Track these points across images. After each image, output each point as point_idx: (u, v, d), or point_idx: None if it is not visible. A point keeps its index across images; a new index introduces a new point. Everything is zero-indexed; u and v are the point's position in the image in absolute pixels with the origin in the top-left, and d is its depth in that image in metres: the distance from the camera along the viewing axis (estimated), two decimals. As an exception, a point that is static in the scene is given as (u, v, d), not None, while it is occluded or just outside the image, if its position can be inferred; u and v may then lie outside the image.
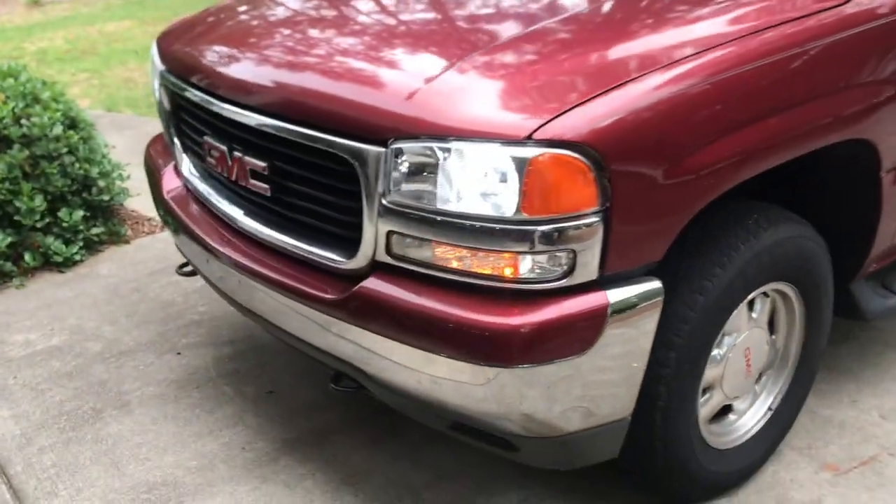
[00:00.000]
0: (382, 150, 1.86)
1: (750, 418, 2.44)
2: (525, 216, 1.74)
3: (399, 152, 1.84)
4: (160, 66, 2.72)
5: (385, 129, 1.86)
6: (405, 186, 1.85)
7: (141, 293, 3.69)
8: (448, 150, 1.78)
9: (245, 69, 2.27)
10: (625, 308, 1.85)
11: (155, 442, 2.68)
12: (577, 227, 1.76)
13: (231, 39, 2.47)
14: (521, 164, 1.72)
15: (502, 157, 1.73)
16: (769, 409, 2.46)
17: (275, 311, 2.24)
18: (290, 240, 2.18)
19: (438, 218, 1.82)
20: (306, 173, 2.08)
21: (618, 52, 1.93)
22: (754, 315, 2.30)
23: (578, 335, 1.82)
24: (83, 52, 8.84)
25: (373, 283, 1.96)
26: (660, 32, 2.00)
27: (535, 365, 1.81)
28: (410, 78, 1.95)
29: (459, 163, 1.78)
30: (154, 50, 2.83)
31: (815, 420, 2.70)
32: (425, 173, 1.83)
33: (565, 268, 1.79)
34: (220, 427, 2.76)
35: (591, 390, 1.90)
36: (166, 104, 2.70)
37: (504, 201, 1.75)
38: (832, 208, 2.40)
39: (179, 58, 2.57)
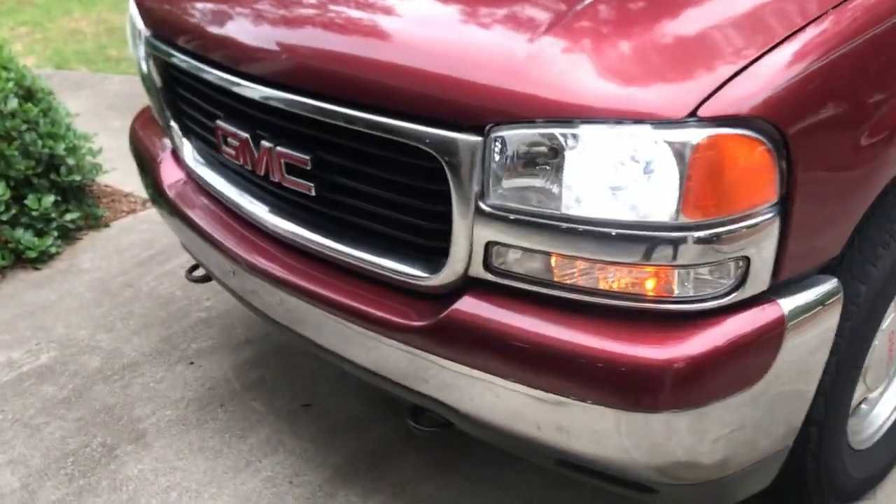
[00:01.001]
0: (478, 139, 1.42)
1: (884, 408, 2.10)
2: (688, 220, 1.32)
3: (503, 141, 1.40)
4: (144, 30, 2.20)
5: (483, 111, 1.41)
6: (512, 184, 1.42)
7: (133, 288, 3.22)
8: (576, 137, 1.34)
9: (277, 34, 1.76)
10: (801, 320, 1.46)
11: (185, 483, 2.26)
12: (753, 227, 1.35)
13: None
14: (684, 152, 1.29)
15: (656, 144, 1.30)
16: (906, 393, 2.12)
17: (332, 337, 1.81)
18: (345, 248, 1.74)
19: (562, 225, 1.40)
20: (369, 169, 1.63)
21: None
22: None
23: (750, 363, 1.43)
24: (19, 3, 8.05)
25: (469, 305, 1.54)
26: None
27: (693, 408, 1.42)
28: (511, 41, 1.49)
29: (593, 152, 1.34)
30: (133, 7, 2.31)
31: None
32: (541, 167, 1.39)
33: (735, 280, 1.39)
34: (258, 456, 2.35)
35: (757, 425, 1.52)
36: (157, 79, 2.20)
37: (659, 201, 1.33)
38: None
39: (174, 18, 2.06)
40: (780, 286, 1.45)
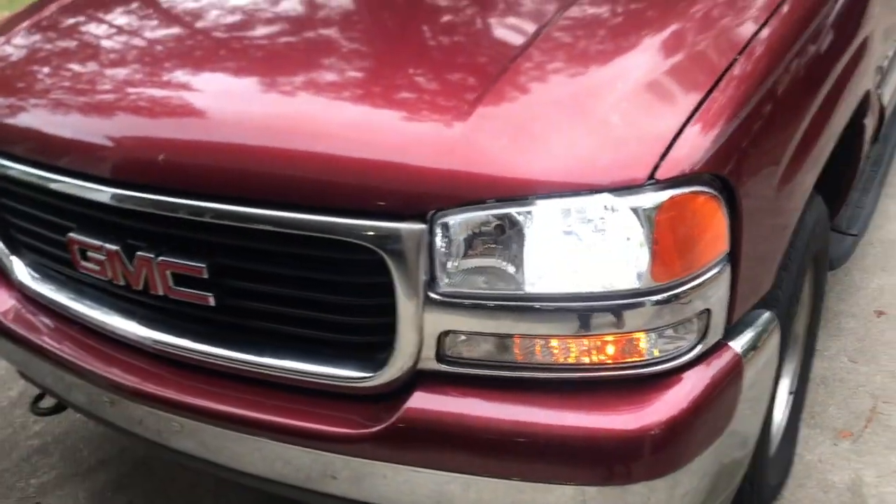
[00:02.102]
0: (422, 226, 1.31)
1: (778, 413, 2.20)
2: (656, 283, 1.29)
3: (449, 226, 1.30)
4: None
5: (423, 196, 1.30)
6: (465, 269, 1.32)
7: (-60, 425, 2.74)
8: (531, 214, 1.27)
9: (151, 128, 1.52)
10: (751, 357, 1.48)
11: None
12: (711, 279, 1.34)
13: (103, 83, 1.68)
14: (648, 216, 1.26)
15: (618, 211, 1.26)
16: (790, 392, 2.24)
17: (257, 460, 1.60)
18: (261, 358, 1.55)
19: (525, 304, 1.32)
20: (284, 270, 1.46)
21: (691, 38, 1.50)
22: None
23: (719, 411, 1.43)
24: None
25: (423, 401, 1.42)
26: (713, 20, 1.59)
27: (675, 471, 1.39)
28: (445, 113, 1.38)
29: (553, 228, 1.28)
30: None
31: (800, 383, 2.55)
32: (496, 248, 1.31)
33: (698, 335, 1.38)
34: None
35: (725, 467, 1.53)
36: (-30, 188, 1.87)
37: (625, 269, 1.28)
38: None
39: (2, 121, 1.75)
40: (728, 330, 1.46)
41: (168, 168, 1.48)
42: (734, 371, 1.43)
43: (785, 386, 2.22)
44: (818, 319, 2.30)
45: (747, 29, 1.54)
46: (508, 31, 1.63)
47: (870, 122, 2.23)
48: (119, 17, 1.94)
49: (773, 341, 1.56)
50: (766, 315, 1.55)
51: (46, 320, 1.88)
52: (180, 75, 1.62)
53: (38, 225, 1.78)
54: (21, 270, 1.90)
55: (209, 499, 2.34)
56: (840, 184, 2.26)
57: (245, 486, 2.28)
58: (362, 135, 1.38)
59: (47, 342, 1.82)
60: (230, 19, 1.83)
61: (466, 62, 1.51)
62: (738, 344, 1.46)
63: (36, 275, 1.89)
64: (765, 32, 1.54)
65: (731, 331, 1.46)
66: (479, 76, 1.42)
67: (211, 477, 2.37)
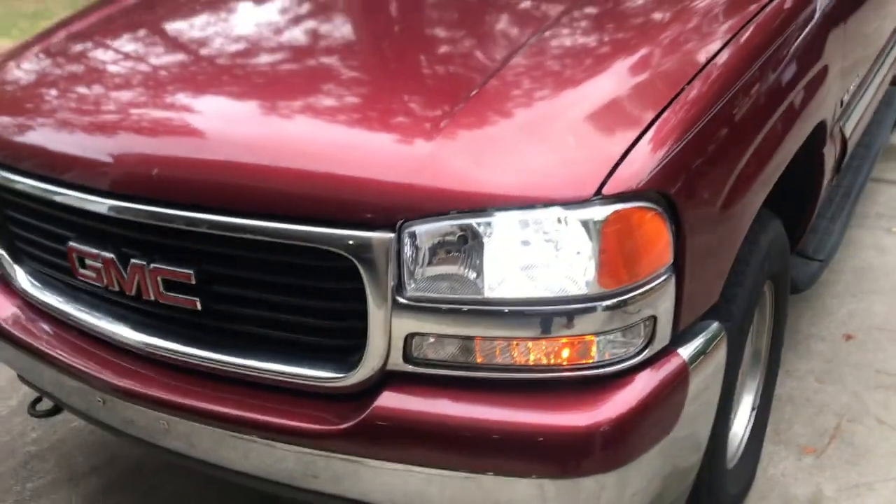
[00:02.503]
0: (391, 235, 1.43)
1: (739, 426, 2.31)
2: (603, 290, 1.41)
3: (416, 235, 1.42)
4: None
5: (393, 208, 1.43)
6: (429, 275, 1.44)
7: (-63, 433, 2.84)
8: (492, 224, 1.39)
9: (145, 145, 1.65)
10: (698, 364, 1.59)
11: None
12: (656, 288, 1.46)
13: (103, 104, 1.82)
14: (595, 228, 1.38)
15: (568, 224, 1.38)
16: (752, 408, 2.34)
17: (237, 455, 1.71)
18: (242, 360, 1.66)
19: (484, 308, 1.44)
20: (265, 276, 1.58)
21: (644, 66, 1.63)
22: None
23: (665, 412, 1.54)
24: None
25: (390, 400, 1.53)
26: (668, 41, 1.73)
27: (620, 467, 1.50)
28: (412, 133, 1.51)
29: (509, 237, 1.40)
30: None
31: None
32: (458, 255, 1.43)
33: (645, 339, 1.49)
34: None
35: (675, 466, 1.64)
36: (-23, 201, 1.99)
37: (574, 276, 1.40)
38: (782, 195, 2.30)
39: (6, 138, 1.88)
40: (676, 338, 1.57)
41: (160, 181, 1.60)
42: (681, 376, 1.54)
43: (748, 402, 2.32)
44: (781, 339, 2.40)
45: (700, 57, 1.67)
46: (475, 60, 1.76)
47: (829, 153, 2.35)
48: (116, 46, 2.09)
49: (721, 351, 1.67)
50: (715, 325, 1.66)
51: (45, 325, 1.99)
52: (172, 98, 1.75)
53: (41, 235, 1.90)
54: (23, 278, 2.02)
55: (194, 500, 2.43)
56: (802, 210, 2.38)
57: (230, 491, 2.38)
58: (337, 153, 1.51)
59: (45, 346, 1.93)
60: (217, 49, 1.98)
61: (436, 88, 1.65)
62: (686, 351, 1.57)
63: (36, 282, 2.01)
64: (717, 61, 1.67)
65: (680, 338, 1.57)
66: (446, 101, 1.55)
67: (198, 480, 2.48)
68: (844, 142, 2.55)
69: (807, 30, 2.04)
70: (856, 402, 2.66)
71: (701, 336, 1.62)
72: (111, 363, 1.83)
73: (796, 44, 2.00)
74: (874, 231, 3.64)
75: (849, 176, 3.20)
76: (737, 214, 1.64)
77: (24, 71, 2.08)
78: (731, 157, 1.63)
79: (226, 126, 1.65)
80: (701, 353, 1.60)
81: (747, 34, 1.80)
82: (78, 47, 2.15)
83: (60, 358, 1.89)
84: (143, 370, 1.78)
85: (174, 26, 2.15)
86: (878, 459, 2.42)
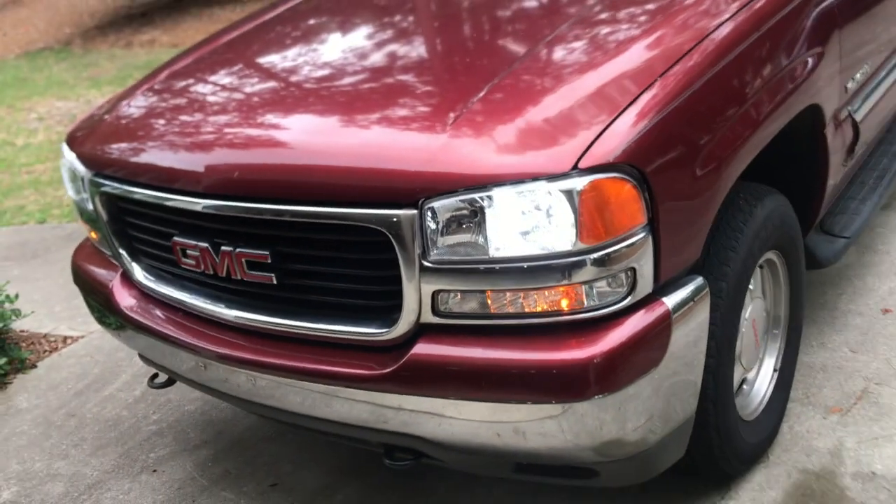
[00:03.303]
0: (414, 211, 1.80)
1: (761, 385, 2.55)
2: (585, 245, 1.74)
3: (435, 210, 1.79)
4: (86, 172, 2.48)
5: (415, 190, 1.80)
6: (448, 242, 1.80)
7: (77, 417, 3.37)
8: (491, 198, 1.75)
9: (228, 156, 2.11)
10: (682, 312, 1.89)
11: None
12: (633, 245, 1.78)
13: (195, 126, 2.30)
14: (574, 196, 1.71)
15: (552, 193, 1.72)
16: (774, 370, 2.58)
17: (307, 402, 2.10)
18: (309, 324, 2.06)
19: (493, 266, 1.79)
20: (322, 252, 1.98)
21: (619, 65, 1.97)
22: (751, 287, 2.40)
23: (650, 350, 1.84)
24: None
25: (426, 348, 1.89)
26: (646, 38, 2.06)
27: (613, 392, 1.81)
28: (427, 131, 1.90)
29: (507, 207, 1.75)
30: (70, 155, 2.59)
31: (800, 371, 2.86)
32: (468, 225, 1.79)
33: (627, 287, 1.81)
34: (241, 537, 2.56)
35: (667, 398, 1.93)
36: (103, 213, 2.47)
37: (561, 236, 1.74)
38: (791, 173, 2.55)
39: (121, 158, 2.37)
40: (661, 288, 1.88)
41: (241, 182, 2.03)
42: (664, 320, 1.85)
43: (769, 363, 2.57)
44: (801, 306, 2.63)
45: (675, 46, 1.99)
46: (477, 71, 2.14)
47: (835, 136, 2.59)
48: (204, 81, 2.57)
49: (705, 302, 1.96)
50: (699, 280, 1.95)
51: (158, 311, 2.45)
52: (246, 118, 2.20)
53: (153, 234, 2.36)
54: (139, 273, 2.48)
55: (287, 465, 2.84)
56: (814, 188, 2.62)
57: (318, 455, 2.78)
58: (372, 150, 1.91)
59: (160, 326, 2.39)
60: (274, 78, 2.42)
61: (444, 95, 2.03)
62: (670, 300, 1.88)
63: (150, 276, 2.47)
64: (692, 50, 1.98)
65: (665, 289, 1.88)
66: (454, 105, 1.93)
67: (290, 448, 2.89)
68: (856, 126, 2.76)
69: (792, 21, 2.31)
70: (886, 367, 2.85)
71: (685, 288, 1.91)
72: (209, 336, 2.26)
73: (778, 34, 2.27)
74: (923, 214, 3.77)
75: (884, 160, 3.37)
76: (709, 185, 1.93)
77: (134, 106, 2.58)
78: (701, 135, 1.92)
79: (288, 137, 2.08)
80: (685, 303, 1.90)
81: (726, 27, 2.10)
82: (176, 83, 2.63)
83: (171, 334, 2.34)
84: (234, 339, 2.21)
85: (244, 66, 2.61)
86: (900, 416, 2.61)
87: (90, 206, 2.52)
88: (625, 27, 2.15)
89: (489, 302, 1.83)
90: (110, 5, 14.53)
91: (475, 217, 1.77)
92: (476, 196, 1.76)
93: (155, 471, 2.95)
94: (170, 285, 2.41)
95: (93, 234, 2.68)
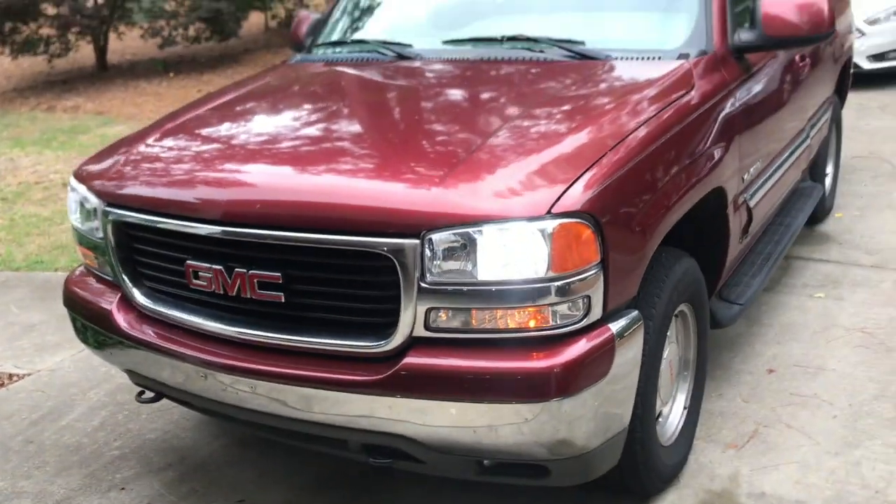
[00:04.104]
0: (417, 241, 2.22)
1: (674, 418, 3.03)
2: (553, 274, 2.19)
3: (434, 241, 2.21)
4: (99, 203, 2.79)
5: (419, 224, 2.22)
6: (443, 268, 2.22)
7: (36, 444, 3.52)
8: (481, 233, 2.19)
9: (251, 191, 2.48)
10: (623, 337, 2.35)
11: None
12: (589, 277, 2.24)
13: (214, 164, 2.67)
14: (547, 234, 2.17)
15: (531, 231, 2.17)
16: (684, 407, 3.07)
17: (302, 407, 2.42)
18: (310, 338, 2.41)
19: (478, 289, 2.21)
20: (331, 275, 2.35)
21: (578, 140, 2.48)
22: (669, 333, 2.90)
23: (599, 364, 2.29)
24: None
25: (418, 358, 2.28)
26: (601, 121, 2.58)
27: (568, 396, 2.23)
28: (429, 179, 2.33)
29: (494, 241, 2.19)
30: (81, 188, 2.89)
31: (702, 416, 3.34)
32: (460, 254, 2.21)
33: (583, 312, 2.26)
34: (214, 543, 2.80)
35: (608, 407, 2.36)
36: (112, 239, 2.77)
37: (535, 266, 2.18)
38: (701, 245, 3.10)
39: (139, 192, 2.70)
40: (608, 316, 2.33)
41: (261, 212, 2.40)
42: (609, 341, 2.30)
43: (681, 400, 3.05)
44: (705, 353, 3.14)
45: (621, 131, 2.52)
46: (467, 137, 2.63)
47: (734, 217, 3.16)
48: (214, 131, 2.96)
49: (640, 331, 2.43)
50: (636, 313, 2.43)
51: (156, 329, 2.74)
52: (261, 158, 2.61)
53: (162, 259, 2.67)
54: (139, 296, 2.78)
55: (252, 484, 3.11)
56: (716, 257, 3.18)
57: (282, 479, 3.06)
58: (385, 193, 2.34)
59: (158, 342, 2.68)
60: (289, 128, 2.86)
61: (443, 153, 2.50)
62: (614, 326, 2.34)
63: (147, 299, 2.76)
64: (633, 135, 2.51)
65: (610, 317, 2.34)
66: (449, 161, 2.39)
67: (252, 471, 3.15)
68: (749, 211, 3.36)
69: (706, 123, 2.90)
70: (772, 414, 3.38)
71: (625, 318, 2.38)
72: (208, 349, 2.57)
73: (696, 131, 2.85)
74: (800, 297, 4.42)
75: (769, 246, 4.01)
76: (643, 237, 2.43)
77: (150, 147, 2.93)
78: (638, 199, 2.43)
79: (314, 177, 2.50)
80: (625, 329, 2.36)
81: (658, 119, 2.65)
82: (188, 129, 3.03)
83: (170, 348, 2.63)
84: (233, 351, 2.53)
85: (261, 115, 3.04)
86: (783, 451, 3.12)
87: (99, 234, 2.82)
88: (580, 114, 2.68)
89: (472, 319, 2.24)
90: (27, 70, 14.56)
91: (466, 248, 2.20)
92: (469, 231, 2.19)
93: (123, 489, 3.15)
94: (169, 306, 2.71)
95: (89, 261, 2.96)
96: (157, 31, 13.01)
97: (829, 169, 5.48)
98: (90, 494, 3.12)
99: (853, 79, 5.96)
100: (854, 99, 7.77)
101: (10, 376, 4.20)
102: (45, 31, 12.97)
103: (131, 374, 2.91)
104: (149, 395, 2.92)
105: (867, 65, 8.98)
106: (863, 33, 8.76)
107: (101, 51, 13.41)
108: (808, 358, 3.80)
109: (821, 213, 5.27)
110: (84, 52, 13.85)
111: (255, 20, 16.73)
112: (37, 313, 4.88)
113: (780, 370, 3.71)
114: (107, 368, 4.08)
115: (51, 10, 12.33)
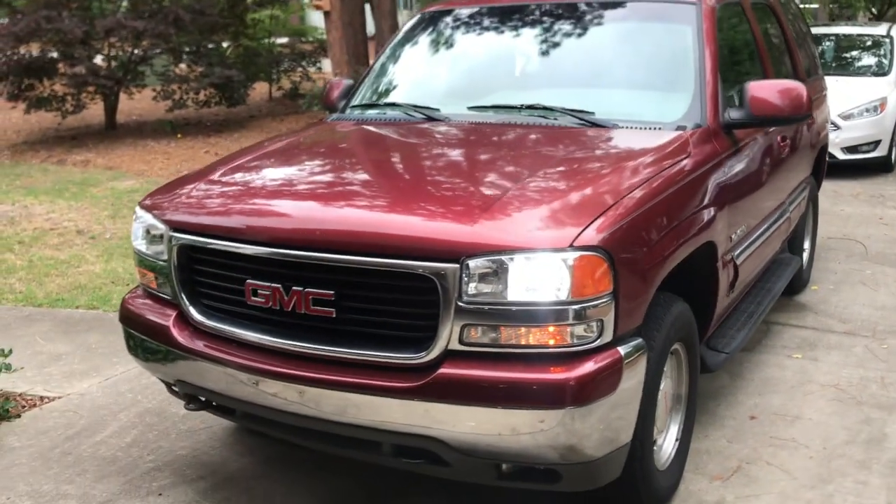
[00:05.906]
0: (457, 265, 2.59)
1: (667, 446, 3.36)
2: (573, 299, 2.56)
3: (471, 266, 2.58)
4: (165, 229, 3.15)
5: (459, 252, 2.60)
6: (478, 289, 2.59)
7: (74, 455, 3.78)
8: (513, 260, 2.57)
9: (306, 217, 2.88)
10: (629, 360, 2.71)
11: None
12: (602, 304, 2.61)
13: (270, 194, 3.10)
14: (569, 264, 2.56)
15: (555, 261, 2.56)
16: (676, 439, 3.40)
17: (344, 410, 2.75)
18: (355, 349, 2.76)
19: (508, 308, 2.58)
20: (379, 294, 2.71)
21: (599, 187, 2.90)
22: (665, 369, 3.26)
23: (609, 381, 2.64)
24: None
25: (452, 368, 2.62)
26: (613, 175, 3.00)
27: (581, 405, 2.58)
28: (469, 214, 2.72)
29: (524, 267, 2.57)
30: (147, 216, 3.26)
31: (691, 453, 3.67)
32: (493, 278, 2.58)
33: (596, 334, 2.63)
34: (249, 540, 3.07)
35: (614, 422, 2.71)
36: (174, 262, 3.12)
37: (559, 290, 2.56)
38: (694, 294, 3.48)
39: (203, 219, 3.08)
40: (617, 340, 2.70)
41: (320, 238, 2.78)
42: (618, 362, 2.66)
43: (674, 431, 3.40)
44: (695, 390, 3.50)
45: (629, 185, 2.93)
46: (502, 182, 3.05)
47: (722, 271, 3.57)
48: (273, 168, 3.38)
49: (643, 357, 2.79)
50: (640, 340, 2.80)
51: (207, 342, 3.07)
52: (319, 192, 3.03)
53: (221, 279, 3.02)
54: (195, 313, 3.12)
55: (285, 490, 3.39)
56: (706, 305, 3.57)
57: (310, 490, 3.34)
58: (433, 225, 2.74)
59: (213, 353, 3.01)
60: (342, 168, 3.26)
61: (480, 192, 2.90)
62: (622, 349, 2.70)
63: (203, 315, 3.10)
64: (644, 186, 2.93)
65: (618, 341, 2.70)
66: (487, 198, 2.79)
67: (283, 482, 3.44)
68: (736, 267, 3.77)
69: (700, 184, 3.33)
70: (753, 453, 3.72)
71: (631, 343, 2.75)
72: (260, 360, 2.90)
73: (692, 190, 3.28)
74: (778, 356, 4.80)
75: (752, 306, 4.41)
76: (646, 274, 2.82)
77: (209, 184, 3.31)
78: (645, 241, 2.83)
79: (363, 209, 2.90)
80: (631, 353, 2.72)
81: (660, 177, 3.07)
82: (250, 167, 3.44)
83: (225, 358, 2.96)
84: (283, 361, 2.86)
85: (301, 161, 3.46)
86: (764, 483, 3.46)
87: (164, 257, 3.17)
88: (595, 169, 3.11)
89: (501, 335, 2.60)
90: (36, 125, 15.01)
91: (498, 273, 2.58)
92: (502, 258, 2.57)
93: (160, 494, 3.42)
94: (223, 321, 3.05)
95: (148, 282, 3.30)
96: (168, 93, 13.55)
97: (807, 244, 5.93)
98: (131, 498, 3.39)
99: (829, 168, 6.47)
100: (830, 187, 8.35)
101: (42, 398, 4.46)
102: (58, 88, 13.46)
103: (181, 384, 3.21)
104: (198, 401, 3.22)
105: (842, 156, 9.58)
106: (838, 127, 9.37)
107: (111, 110, 13.90)
108: (786, 408, 4.15)
109: (798, 284, 5.70)
110: (93, 111, 14.34)
111: (260, 89, 17.40)
112: (62, 345, 5.15)
113: (760, 417, 4.06)
114: (134, 394, 4.37)
115: (67, 70, 12.83)
